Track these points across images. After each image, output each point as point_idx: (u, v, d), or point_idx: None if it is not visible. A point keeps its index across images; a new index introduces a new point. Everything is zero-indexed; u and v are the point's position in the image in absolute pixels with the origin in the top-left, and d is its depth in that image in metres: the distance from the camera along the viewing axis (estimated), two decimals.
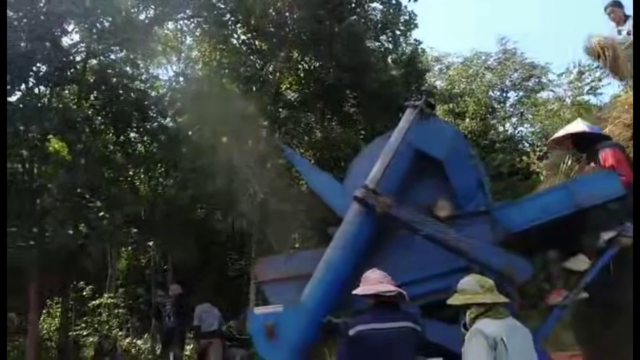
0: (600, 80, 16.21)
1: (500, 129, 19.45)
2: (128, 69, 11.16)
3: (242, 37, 10.50)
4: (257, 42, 10.33)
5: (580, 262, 3.63)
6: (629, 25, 5.50)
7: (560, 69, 17.84)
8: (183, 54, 14.03)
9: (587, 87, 16.64)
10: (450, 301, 2.63)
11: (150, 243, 11.23)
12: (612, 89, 14.69)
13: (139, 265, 14.05)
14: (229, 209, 9.49)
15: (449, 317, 3.22)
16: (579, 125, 4.14)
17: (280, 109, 11.17)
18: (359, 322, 2.78)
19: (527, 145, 18.42)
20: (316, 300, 3.50)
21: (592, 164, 3.95)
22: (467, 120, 18.12)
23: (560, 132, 4.34)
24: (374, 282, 2.84)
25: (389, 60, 11.28)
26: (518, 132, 19.78)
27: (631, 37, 5.43)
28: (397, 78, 10.63)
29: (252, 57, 10.37)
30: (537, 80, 18.78)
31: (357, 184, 3.61)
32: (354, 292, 2.89)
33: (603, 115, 4.77)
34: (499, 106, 19.67)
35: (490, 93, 19.33)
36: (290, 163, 8.21)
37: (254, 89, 9.91)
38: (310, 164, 6.74)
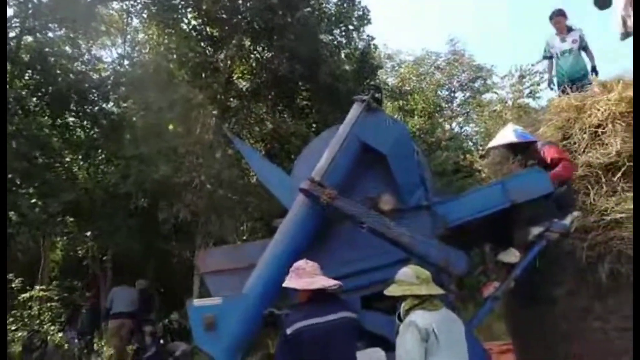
0: (539, 84, 17.25)
1: (447, 127, 20.16)
2: (67, 48, 10.49)
3: (193, 22, 10.12)
4: (208, 29, 10.01)
5: (511, 256, 3.82)
6: (572, 36, 5.91)
7: (505, 71, 18.74)
8: (129, 36, 13.37)
9: (527, 91, 17.60)
10: (387, 292, 2.68)
11: (88, 233, 10.66)
12: (550, 92, 15.59)
13: (75, 257, 13.34)
14: (174, 199, 9.18)
15: (388, 308, 3.29)
16: (509, 135, 4.36)
17: (232, 98, 10.92)
18: (297, 319, 2.71)
19: (472, 144, 19.25)
20: (258, 292, 3.48)
21: (531, 161, 4.22)
22: (416, 117, 18.64)
23: (494, 142, 4.58)
24: (310, 274, 2.81)
25: (342, 54, 11.32)
26: (463, 131, 20.61)
27: (575, 45, 5.85)
28: (349, 73, 10.68)
29: (202, 44, 10.03)
30: (482, 82, 19.61)
31: (305, 176, 3.61)
32: (294, 285, 2.82)
33: (538, 117, 5.05)
34: (446, 105, 20.38)
35: (439, 92, 19.97)
36: (239, 153, 8.07)
37: (204, 76, 9.62)
38: (260, 155, 6.66)
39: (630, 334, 3.37)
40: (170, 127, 9.03)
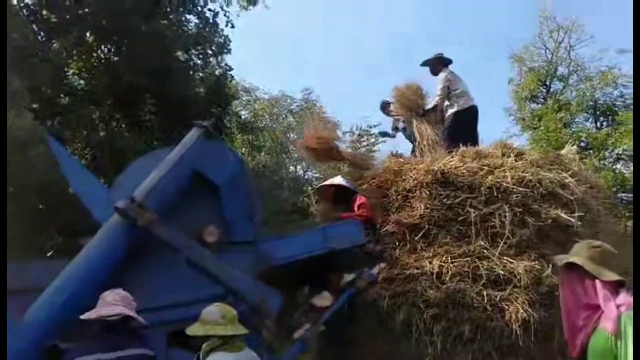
0: (374, 145, 19.50)
1: (292, 169, 21.01)
2: None
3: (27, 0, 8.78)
4: (44, 12, 8.75)
5: (324, 299, 4.03)
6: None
7: (348, 127, 20.54)
8: None
9: (363, 149, 19.62)
10: (189, 331, 2.53)
11: None
12: (381, 155, 17.68)
13: None
14: None
15: (199, 345, 3.11)
16: (340, 180, 4.81)
17: (62, 95, 9.59)
18: (77, 354, 2.42)
19: (311, 188, 20.37)
20: (41, 319, 2.94)
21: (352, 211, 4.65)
22: (263, 154, 19.02)
23: (327, 182, 4.99)
24: (106, 304, 2.54)
25: (197, 76, 11.01)
26: (306, 175, 21.69)
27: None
28: (201, 97, 10.41)
29: (34, 26, 8.70)
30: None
31: (125, 194, 3.29)
32: (82, 316, 2.55)
33: (364, 174, 5.60)
34: (294, 148, 21.30)
35: (289, 135, 20.83)
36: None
37: (28, 63, 8.25)
38: (78, 163, 5.91)
39: None
40: None
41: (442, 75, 6.13)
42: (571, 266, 2.32)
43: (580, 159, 5.63)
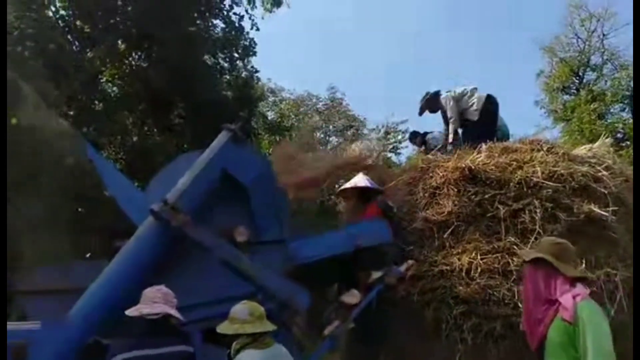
0: (400, 142, 19.39)
1: None
2: None
3: (62, 12, 9.15)
4: (78, 22, 9.11)
5: (352, 297, 4.06)
6: None
7: (374, 125, 20.47)
8: None
9: (390, 146, 19.52)
10: (220, 329, 2.61)
11: None
12: (409, 151, 17.56)
13: None
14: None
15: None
16: (362, 181, 4.80)
17: (96, 102, 9.97)
18: (121, 350, 2.52)
19: (337, 186, 20.34)
20: (84, 317, 3.11)
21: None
22: None
23: (348, 184, 5.00)
24: (148, 300, 2.66)
25: (224, 79, 11.23)
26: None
27: None
28: (229, 99, 10.61)
29: (69, 37, 9.08)
30: (355, 130, 21.11)
31: (158, 197, 3.43)
32: (126, 312, 2.67)
33: (392, 172, 5.59)
34: (321, 147, 21.35)
35: (315, 134, 20.90)
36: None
37: (64, 72, 8.62)
38: (114, 167, 6.15)
39: None
40: (14, 121, 7.83)
41: (442, 101, 5.97)
42: (535, 261, 2.41)
43: (615, 151, 5.43)
